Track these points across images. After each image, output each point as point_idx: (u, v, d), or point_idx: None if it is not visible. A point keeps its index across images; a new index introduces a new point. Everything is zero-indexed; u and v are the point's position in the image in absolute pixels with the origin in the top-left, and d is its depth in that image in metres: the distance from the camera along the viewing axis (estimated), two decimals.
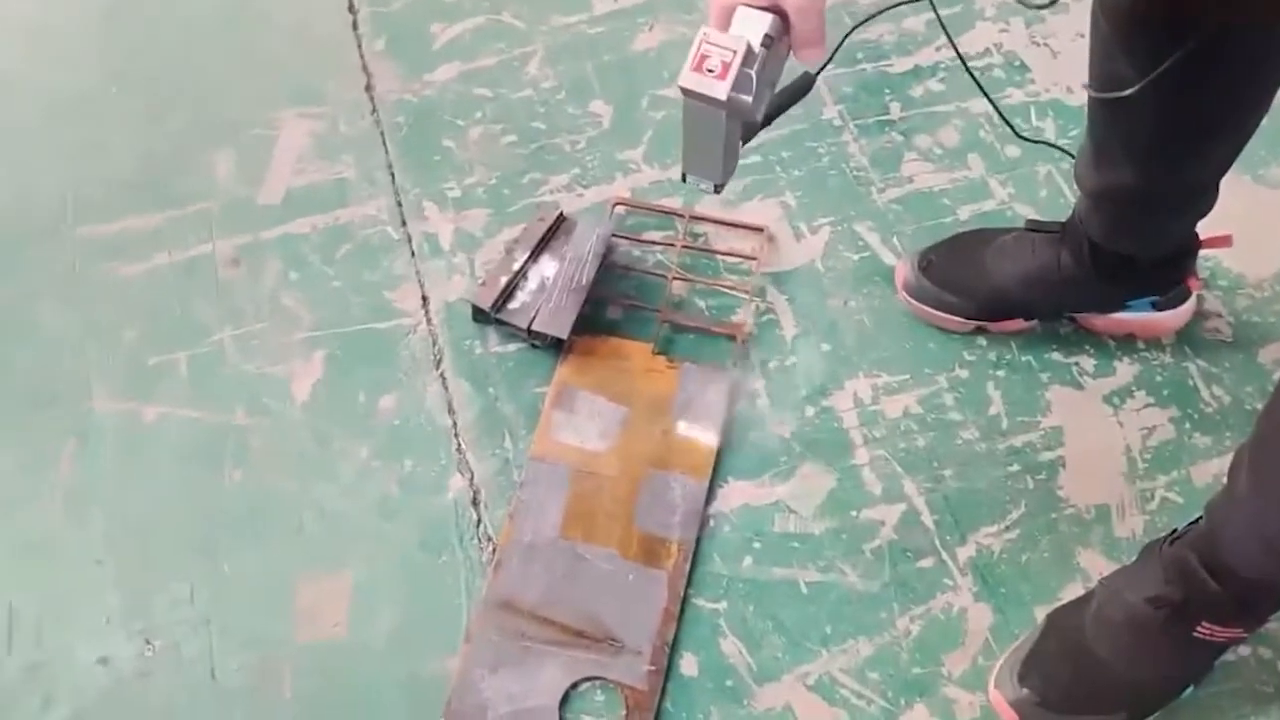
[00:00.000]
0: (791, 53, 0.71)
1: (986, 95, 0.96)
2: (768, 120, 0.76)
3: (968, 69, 0.93)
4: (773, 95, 0.75)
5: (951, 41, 0.90)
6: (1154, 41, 0.78)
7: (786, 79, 0.78)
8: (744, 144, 0.79)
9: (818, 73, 0.79)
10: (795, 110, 1.25)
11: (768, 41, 0.69)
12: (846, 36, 0.87)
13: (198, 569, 1.00)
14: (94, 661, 0.96)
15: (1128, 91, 0.80)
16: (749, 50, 0.68)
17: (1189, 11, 0.75)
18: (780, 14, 0.69)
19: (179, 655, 0.96)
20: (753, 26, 0.69)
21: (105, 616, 0.98)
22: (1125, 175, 0.92)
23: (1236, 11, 0.73)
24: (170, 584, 1.00)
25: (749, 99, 0.69)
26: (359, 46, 1.35)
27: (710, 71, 0.68)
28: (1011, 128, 1.00)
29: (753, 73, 0.69)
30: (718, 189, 0.81)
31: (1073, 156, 1.17)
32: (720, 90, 0.68)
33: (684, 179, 0.80)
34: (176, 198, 1.23)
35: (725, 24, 0.70)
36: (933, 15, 0.95)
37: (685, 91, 0.70)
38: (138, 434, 1.08)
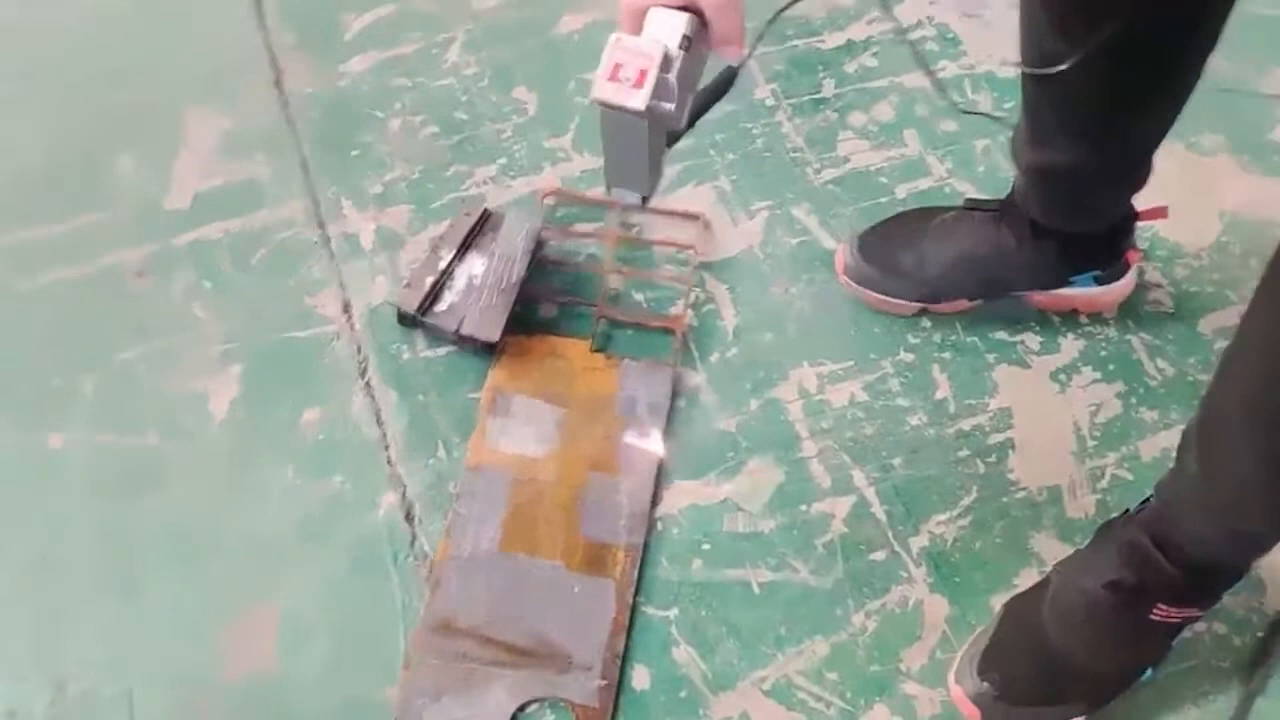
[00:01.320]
0: (711, 51, 0.67)
1: (929, 71, 0.93)
2: (691, 123, 0.72)
3: (911, 45, 0.89)
4: (694, 96, 0.70)
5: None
6: (1087, 16, 0.76)
7: (707, 76, 0.73)
8: (668, 150, 0.74)
9: (739, 66, 0.75)
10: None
11: (685, 44, 0.64)
12: (770, 22, 0.82)
13: (113, 606, 0.94)
14: (2, 715, 0.89)
15: (1060, 67, 0.77)
16: (666, 55, 0.64)
17: None
18: (696, 12, 0.64)
19: (95, 700, 0.90)
20: (668, 28, 0.64)
21: (11, 663, 0.91)
22: (1061, 152, 0.90)
23: None
24: (83, 624, 0.94)
25: (671, 106, 0.65)
26: (266, 38, 1.28)
27: (626, 80, 0.63)
28: (953, 102, 0.97)
29: (672, 78, 0.64)
30: (644, 201, 0.77)
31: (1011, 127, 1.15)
32: (639, 100, 0.63)
33: (608, 191, 0.76)
34: (78, 205, 1.16)
35: (637, 27, 0.65)
36: None
37: (601, 104, 0.65)
38: (43, 463, 1.01)
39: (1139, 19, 0.74)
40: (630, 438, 1.01)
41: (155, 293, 1.11)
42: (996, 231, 1.01)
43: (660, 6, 0.64)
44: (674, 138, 0.73)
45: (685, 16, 0.64)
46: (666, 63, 0.64)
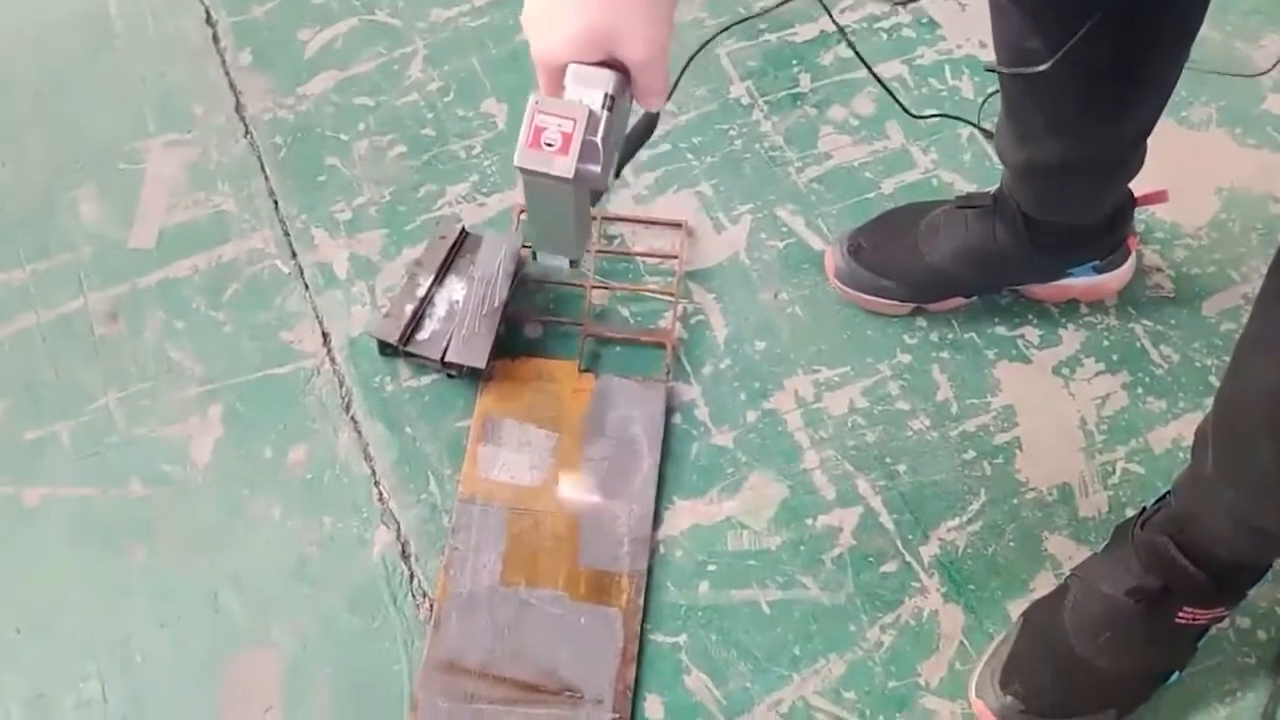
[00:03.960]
0: (634, 101, 0.63)
1: (879, 79, 0.90)
2: (616, 173, 0.68)
3: (855, 51, 0.86)
4: (620, 151, 0.67)
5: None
6: (1061, 12, 0.73)
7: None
8: (594, 205, 0.70)
9: (659, 111, 0.72)
10: (701, 91, 1.20)
11: (609, 102, 0.60)
12: (686, 67, 0.78)
13: (107, 663, 0.91)
14: None
15: (1040, 68, 0.74)
16: (591, 116, 0.60)
17: None
18: (618, 67, 0.60)
19: None
20: (589, 85, 0.60)
21: None
22: (1050, 148, 0.87)
23: None
24: (77, 684, 0.90)
25: (598, 169, 0.61)
26: (223, 62, 1.24)
27: (550, 146, 0.60)
28: (904, 108, 0.95)
29: (598, 140, 0.60)
30: (573, 264, 0.73)
31: (972, 124, 1.13)
32: (565, 167, 0.60)
33: (534, 257, 0.72)
34: (37, 248, 1.11)
35: (557, 86, 0.61)
36: None
37: (524, 171, 0.61)
38: (20, 520, 0.97)
39: (1116, 12, 0.72)
40: (626, 459, 0.98)
41: (127, 337, 1.07)
42: (990, 228, 0.98)
43: (579, 64, 0.60)
44: (598, 195, 0.69)
45: (607, 73, 0.60)
46: (591, 124, 0.60)
